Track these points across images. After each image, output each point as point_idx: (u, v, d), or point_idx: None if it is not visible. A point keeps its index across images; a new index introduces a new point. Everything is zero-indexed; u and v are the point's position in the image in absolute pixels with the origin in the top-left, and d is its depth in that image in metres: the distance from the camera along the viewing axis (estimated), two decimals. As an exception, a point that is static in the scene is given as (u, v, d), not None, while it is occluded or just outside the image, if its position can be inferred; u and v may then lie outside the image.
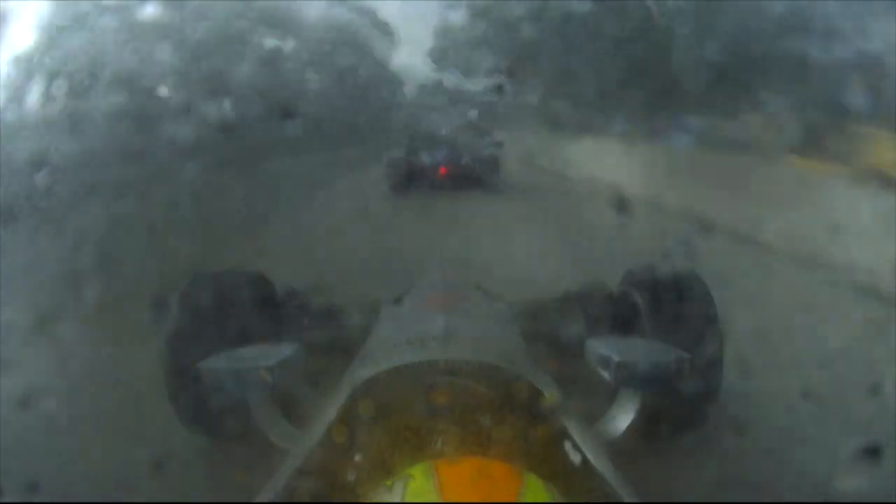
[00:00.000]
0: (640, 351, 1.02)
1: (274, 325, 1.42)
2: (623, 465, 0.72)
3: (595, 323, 1.41)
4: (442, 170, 3.61)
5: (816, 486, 1.06)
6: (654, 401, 0.99)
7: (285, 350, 1.04)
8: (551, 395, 0.78)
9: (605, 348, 0.99)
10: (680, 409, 1.15)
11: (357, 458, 0.68)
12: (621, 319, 1.40)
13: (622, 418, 0.98)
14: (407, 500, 0.55)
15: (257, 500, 0.68)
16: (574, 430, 0.74)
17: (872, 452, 0.86)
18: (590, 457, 0.70)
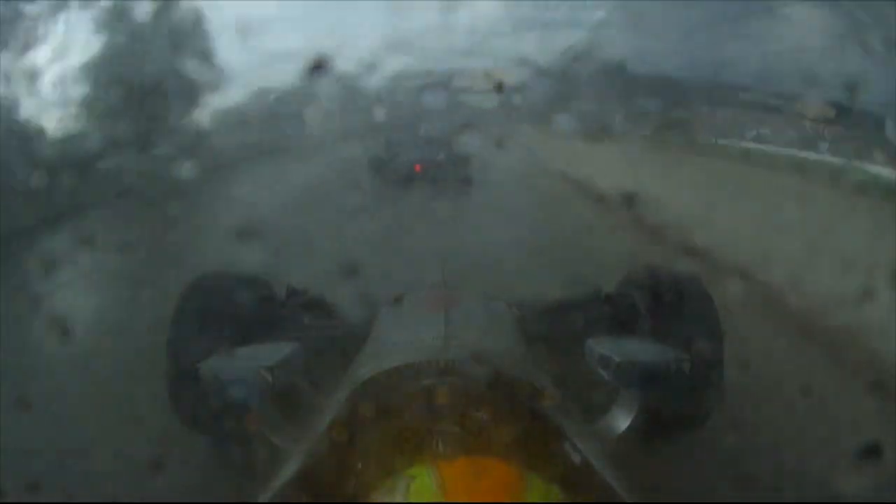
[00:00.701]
0: (640, 351, 1.02)
1: (274, 325, 1.42)
2: (623, 465, 0.72)
3: (595, 323, 1.42)
4: (417, 167, 3.86)
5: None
6: (655, 401, 0.99)
7: (285, 350, 1.04)
8: (551, 395, 0.78)
9: (605, 348, 1.00)
10: (680, 409, 1.15)
11: (358, 458, 0.68)
12: (621, 320, 1.40)
13: (622, 418, 0.98)
14: (409, 501, 0.55)
15: (257, 501, 0.68)
16: (574, 430, 0.74)
17: (872, 452, 0.86)
18: (590, 457, 0.70)
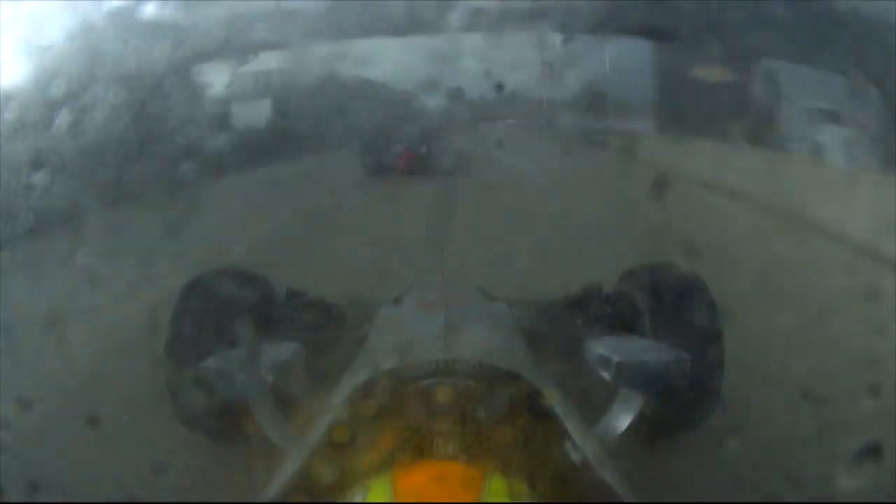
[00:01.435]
0: (640, 351, 1.02)
1: (274, 326, 1.42)
2: (623, 465, 0.72)
3: (594, 323, 1.41)
4: (402, 159, 4.35)
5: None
6: (655, 401, 0.99)
7: (285, 350, 1.04)
8: (551, 395, 0.78)
9: (605, 348, 1.00)
10: (680, 408, 1.15)
11: (357, 458, 0.68)
12: (621, 319, 1.40)
13: (622, 418, 0.98)
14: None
15: (257, 501, 0.68)
16: (574, 430, 0.74)
17: (872, 452, 0.86)
18: (589, 457, 0.70)
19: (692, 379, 0.99)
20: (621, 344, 1.05)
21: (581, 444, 0.71)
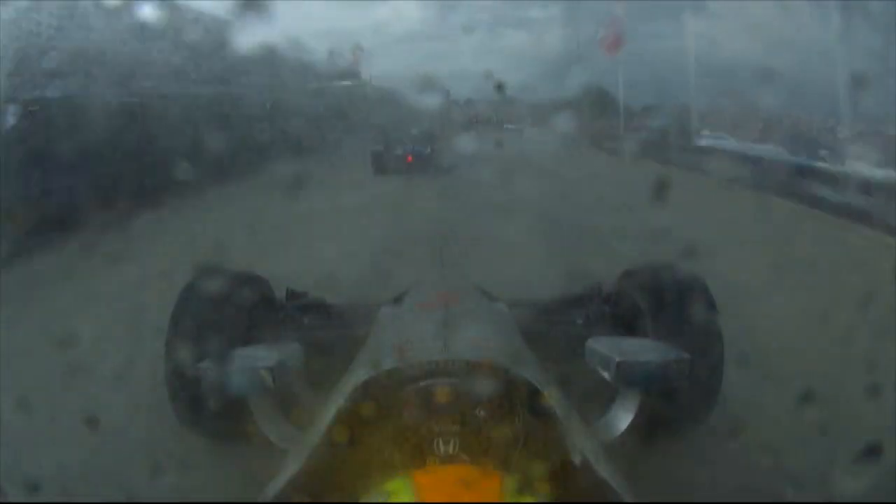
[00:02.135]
0: (640, 351, 1.02)
1: (274, 326, 1.42)
2: (623, 465, 0.72)
3: (594, 323, 1.41)
4: (409, 158, 5.24)
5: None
6: (654, 401, 0.99)
7: (285, 350, 1.04)
8: (551, 395, 0.78)
9: (605, 348, 0.99)
10: (680, 408, 1.15)
11: (357, 458, 0.68)
12: (621, 319, 1.39)
13: (622, 418, 0.98)
14: None
15: (257, 501, 0.68)
16: (574, 430, 0.74)
17: (872, 452, 0.86)
18: (589, 457, 0.70)
19: (691, 378, 0.99)
20: (621, 344, 1.04)
21: (581, 444, 0.71)
